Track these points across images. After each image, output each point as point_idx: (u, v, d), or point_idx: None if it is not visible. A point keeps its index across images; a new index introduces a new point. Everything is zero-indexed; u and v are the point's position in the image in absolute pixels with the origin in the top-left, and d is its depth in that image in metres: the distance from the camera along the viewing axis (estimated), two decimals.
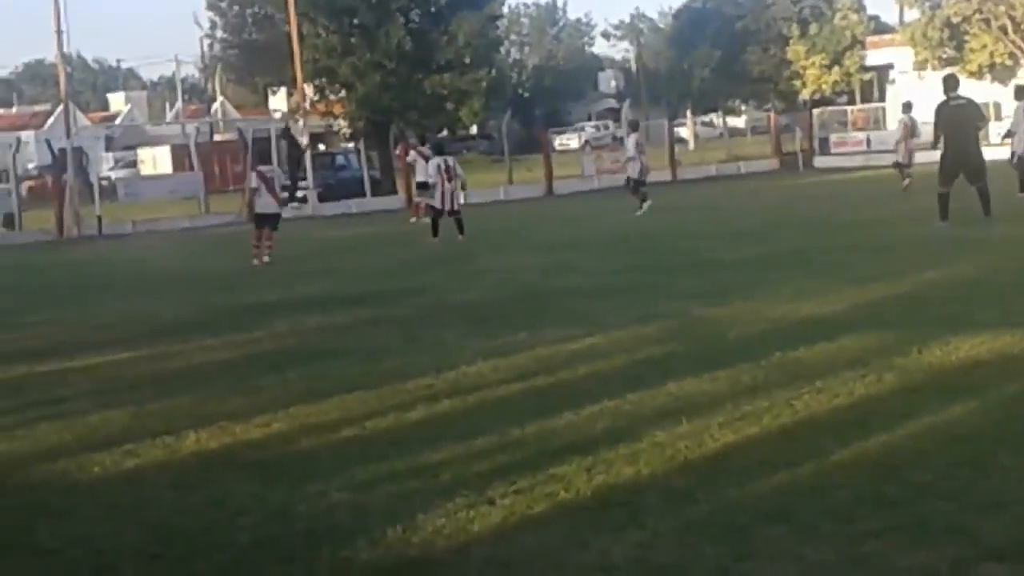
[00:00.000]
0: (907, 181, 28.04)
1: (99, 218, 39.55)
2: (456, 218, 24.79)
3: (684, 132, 63.91)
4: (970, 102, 20.69)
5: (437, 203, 25.07)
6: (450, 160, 25.55)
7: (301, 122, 48.41)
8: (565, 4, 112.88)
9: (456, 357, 10.79)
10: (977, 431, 7.38)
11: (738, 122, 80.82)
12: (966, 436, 7.29)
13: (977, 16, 54.73)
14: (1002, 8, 54.05)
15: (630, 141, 31.55)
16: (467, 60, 57.93)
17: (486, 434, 7.99)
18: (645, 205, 29.10)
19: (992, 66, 55.19)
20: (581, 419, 8.26)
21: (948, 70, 53.73)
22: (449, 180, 24.83)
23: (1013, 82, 53.57)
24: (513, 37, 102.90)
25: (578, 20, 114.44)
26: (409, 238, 27.28)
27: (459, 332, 12.58)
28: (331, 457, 7.85)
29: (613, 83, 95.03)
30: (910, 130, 29.45)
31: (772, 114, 58.32)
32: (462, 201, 25.46)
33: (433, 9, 58.13)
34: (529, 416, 8.36)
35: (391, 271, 20.48)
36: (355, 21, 57.06)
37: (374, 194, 44.30)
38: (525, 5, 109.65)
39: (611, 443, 7.50)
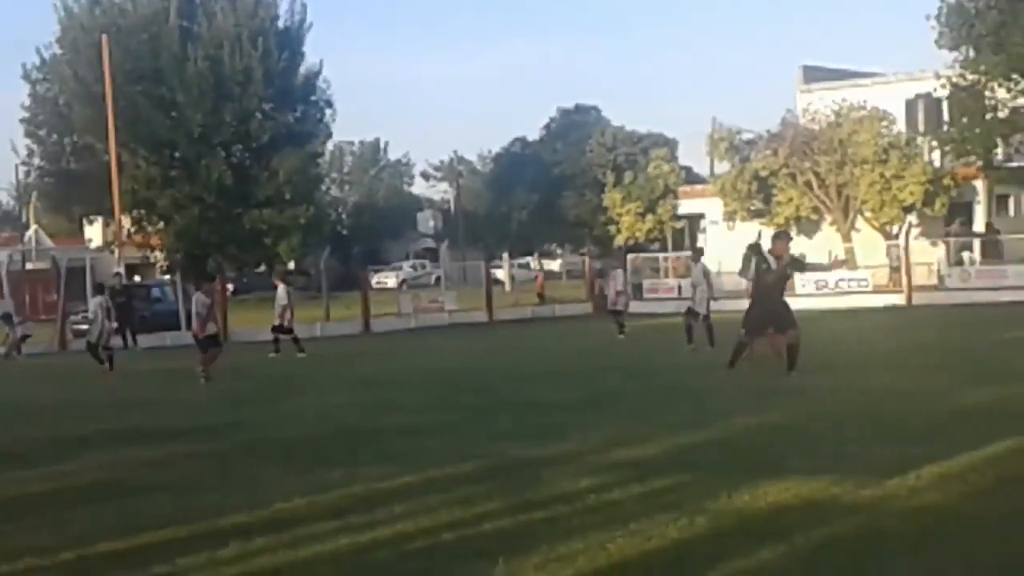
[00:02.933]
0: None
1: None
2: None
3: (501, 274, 64.51)
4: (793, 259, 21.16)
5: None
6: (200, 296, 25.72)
7: (116, 253, 47.70)
8: (387, 144, 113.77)
9: (271, 494, 10.69)
10: (785, 575, 7.56)
11: (553, 265, 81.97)
12: None
13: (784, 171, 56.76)
14: (807, 164, 56.14)
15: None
16: (287, 196, 58.12)
17: (299, 573, 7.93)
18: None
19: (798, 219, 57.12)
20: (396, 558, 8.25)
21: (756, 221, 55.66)
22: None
23: (817, 235, 55.77)
24: (335, 175, 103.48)
25: (399, 160, 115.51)
26: (227, 372, 26.95)
27: (275, 469, 12.46)
28: None
29: (431, 223, 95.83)
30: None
31: (587, 258, 59.31)
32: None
33: (255, 145, 58.30)
34: (344, 555, 8.33)
35: (208, 405, 20.20)
36: (176, 154, 56.92)
37: (190, 328, 43.65)
38: (349, 143, 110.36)
39: None
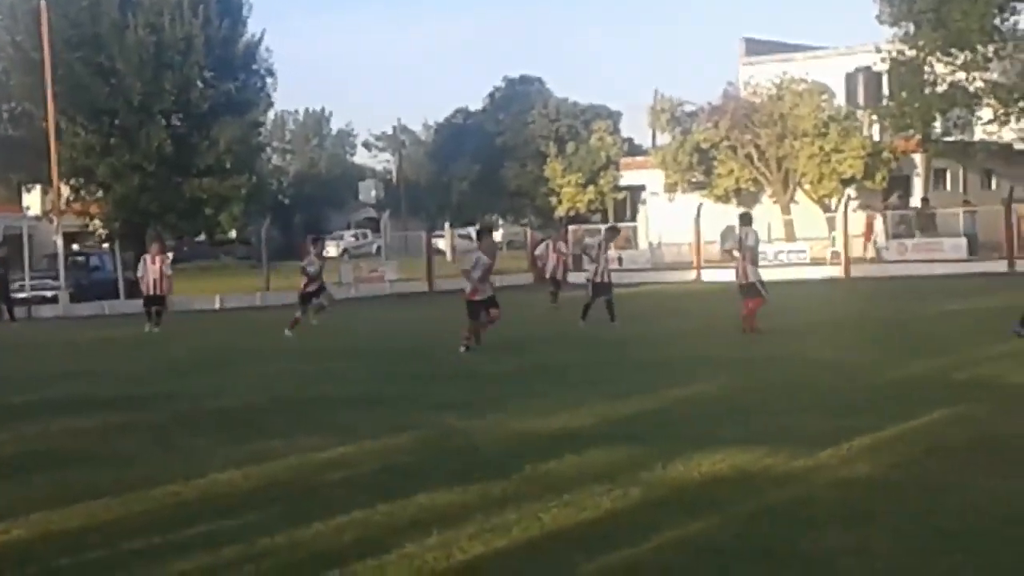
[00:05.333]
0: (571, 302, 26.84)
1: None
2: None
3: (442, 243, 64.41)
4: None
5: None
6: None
7: (55, 222, 47.23)
8: (330, 114, 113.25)
9: (207, 464, 10.66)
10: (718, 545, 7.64)
11: (495, 236, 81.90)
12: (708, 549, 7.55)
13: (725, 143, 56.96)
14: (748, 137, 56.37)
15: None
16: (228, 165, 57.70)
17: (235, 543, 7.93)
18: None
19: (738, 191, 57.41)
20: (331, 529, 8.26)
21: (697, 193, 55.92)
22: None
23: (757, 207, 56.05)
24: (277, 144, 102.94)
25: (341, 130, 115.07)
26: (166, 341, 26.84)
27: (212, 439, 12.42)
28: (72, 567, 7.66)
29: (373, 193, 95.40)
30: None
31: (529, 229, 59.36)
32: None
33: (195, 113, 57.79)
34: (279, 525, 8.32)
35: (144, 375, 20.06)
36: (116, 122, 56.35)
37: (129, 296, 43.37)
38: (291, 112, 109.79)
39: (360, 554, 7.52)
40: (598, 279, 25.79)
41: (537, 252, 32.19)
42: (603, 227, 38.29)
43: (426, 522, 8.22)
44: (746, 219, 23.39)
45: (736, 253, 22.60)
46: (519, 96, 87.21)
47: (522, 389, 15.71)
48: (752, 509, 8.57)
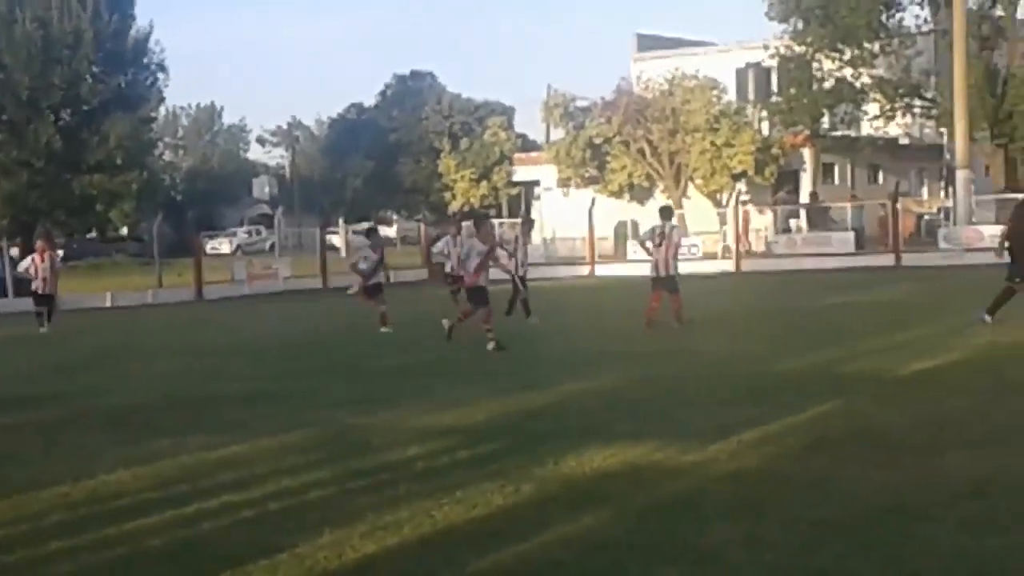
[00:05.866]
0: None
1: None
2: None
3: (336, 240, 64.07)
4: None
5: None
6: None
7: None
8: (222, 109, 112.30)
9: (96, 465, 10.55)
10: (609, 541, 7.71)
11: (390, 232, 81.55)
12: (599, 545, 7.62)
13: (617, 139, 57.32)
14: (640, 132, 56.78)
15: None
16: (118, 161, 57.05)
17: (124, 545, 7.88)
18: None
19: (631, 186, 57.82)
20: (221, 529, 8.24)
21: (590, 188, 56.24)
22: None
23: (649, 202, 56.56)
24: (168, 139, 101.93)
25: (234, 125, 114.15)
26: (56, 340, 26.49)
27: (101, 439, 12.29)
28: None
29: (267, 189, 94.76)
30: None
31: (423, 224, 59.27)
32: None
33: (85, 109, 57.06)
34: (169, 527, 8.28)
35: (33, 374, 19.78)
36: (3, 117, 55.48)
37: (17, 295, 42.61)
38: (183, 108, 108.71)
39: (252, 554, 7.50)
40: (521, 272, 25.72)
41: (435, 249, 31.44)
42: (519, 220, 38.12)
43: (318, 521, 8.22)
44: (666, 213, 23.50)
45: (649, 245, 22.69)
46: (412, 92, 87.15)
47: (416, 385, 15.73)
48: (642, 504, 8.66)
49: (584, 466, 9.83)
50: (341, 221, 69.10)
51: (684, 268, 25.16)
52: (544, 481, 9.36)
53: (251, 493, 9.24)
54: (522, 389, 14.72)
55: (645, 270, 23.69)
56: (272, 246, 60.09)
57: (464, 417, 12.61)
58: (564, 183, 60.26)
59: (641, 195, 58.05)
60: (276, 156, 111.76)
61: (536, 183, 65.19)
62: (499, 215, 65.39)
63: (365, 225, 40.26)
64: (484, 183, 67.68)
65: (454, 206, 67.95)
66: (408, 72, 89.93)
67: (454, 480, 9.37)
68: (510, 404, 13.50)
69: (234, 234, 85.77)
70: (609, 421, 12.04)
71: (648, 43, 69.97)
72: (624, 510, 8.48)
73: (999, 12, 54.15)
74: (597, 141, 58.24)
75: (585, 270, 46.28)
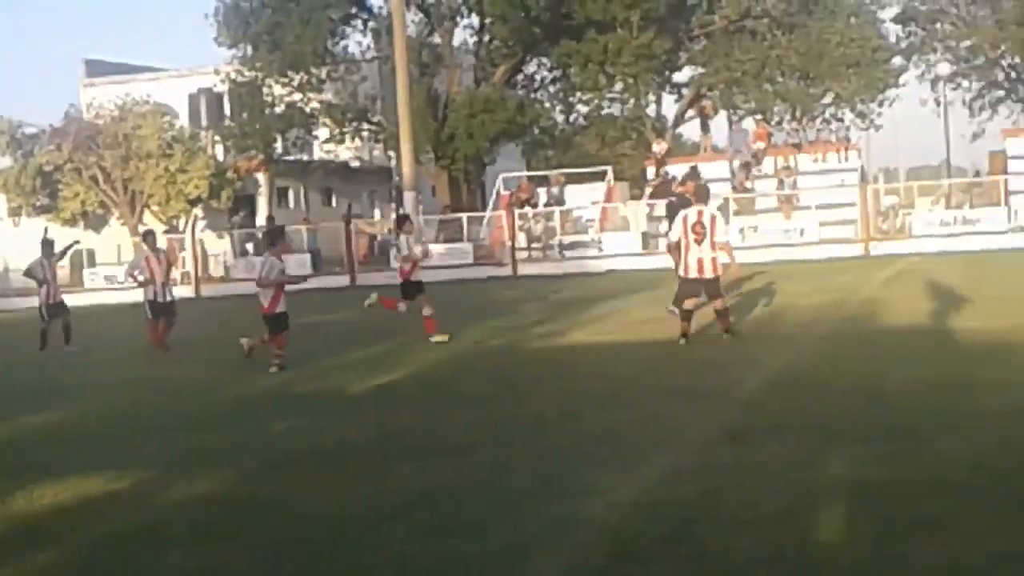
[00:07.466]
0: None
1: None
2: None
3: None
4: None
5: None
6: None
7: None
8: None
9: None
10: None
11: None
12: None
13: (69, 166, 55.71)
14: (92, 159, 55.42)
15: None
16: None
17: None
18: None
19: (84, 214, 56.37)
20: None
21: (43, 217, 54.32)
22: None
23: (105, 229, 55.31)
24: None
25: None
26: None
27: None
28: None
29: None
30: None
31: None
32: None
33: None
34: None
35: None
36: None
37: None
38: None
39: None
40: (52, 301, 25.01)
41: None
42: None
43: None
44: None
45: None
46: None
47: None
48: (99, 536, 8.53)
49: (35, 503, 9.54)
50: None
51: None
52: None
53: None
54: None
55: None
56: None
57: None
58: (14, 212, 58.02)
59: (96, 222, 56.71)
60: None
61: None
62: None
63: None
64: None
65: None
66: None
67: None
68: None
69: None
70: (64, 455, 11.73)
71: (98, 69, 68.41)
72: (79, 544, 8.35)
73: (437, 40, 56.54)
74: (48, 168, 56.38)
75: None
